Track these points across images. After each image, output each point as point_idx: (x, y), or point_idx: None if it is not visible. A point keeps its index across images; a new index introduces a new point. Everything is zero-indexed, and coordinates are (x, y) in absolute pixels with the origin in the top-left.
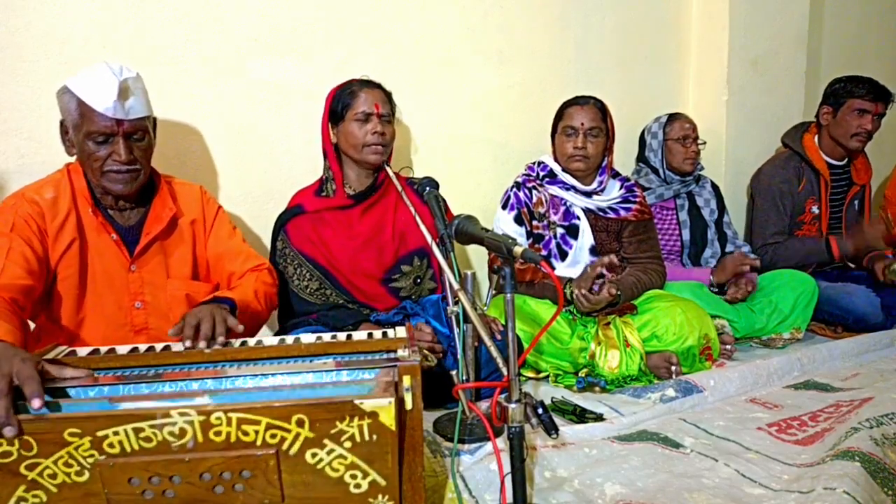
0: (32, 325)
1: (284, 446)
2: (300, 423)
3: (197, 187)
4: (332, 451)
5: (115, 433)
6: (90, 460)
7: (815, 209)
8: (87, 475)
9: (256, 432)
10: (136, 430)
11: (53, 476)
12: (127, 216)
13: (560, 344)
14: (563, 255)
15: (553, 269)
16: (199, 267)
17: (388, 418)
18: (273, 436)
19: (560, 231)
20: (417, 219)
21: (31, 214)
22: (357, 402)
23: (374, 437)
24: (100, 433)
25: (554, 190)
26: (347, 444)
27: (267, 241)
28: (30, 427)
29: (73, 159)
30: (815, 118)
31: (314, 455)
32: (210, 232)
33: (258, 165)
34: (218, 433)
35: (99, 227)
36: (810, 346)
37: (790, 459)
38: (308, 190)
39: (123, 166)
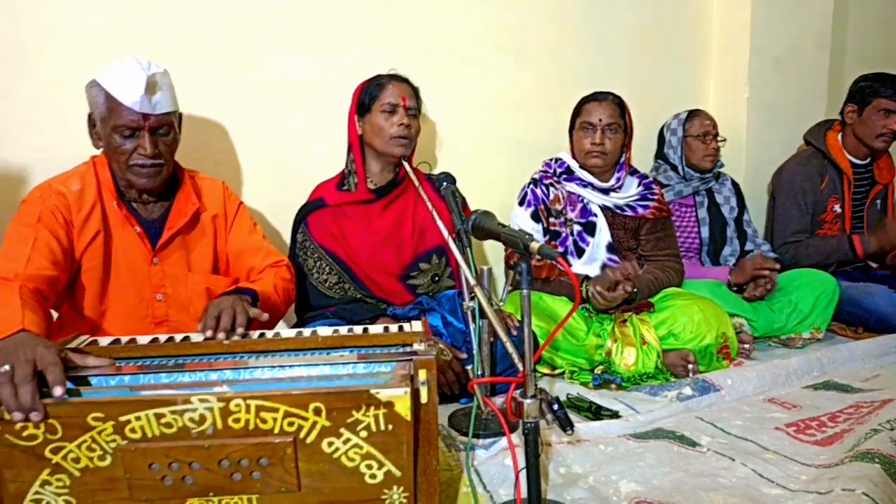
0: (56, 315)
1: (301, 434)
2: (317, 412)
3: (219, 182)
4: (348, 440)
5: (137, 418)
6: (112, 445)
7: (837, 208)
8: (109, 460)
9: (274, 420)
10: (158, 416)
11: (77, 460)
12: (150, 209)
13: (576, 341)
14: (580, 253)
15: (570, 265)
16: (219, 261)
17: (404, 408)
18: (290, 423)
19: (577, 228)
20: (434, 214)
21: (58, 206)
22: (373, 391)
23: (390, 427)
24: (122, 418)
25: (571, 187)
26: (363, 434)
27: (285, 236)
28: (55, 411)
29: (98, 152)
30: (839, 116)
31: (330, 444)
32: (231, 227)
33: (277, 160)
34: (237, 420)
35: (123, 220)
36: (830, 346)
37: (808, 460)
38: (329, 183)
39: (148, 160)
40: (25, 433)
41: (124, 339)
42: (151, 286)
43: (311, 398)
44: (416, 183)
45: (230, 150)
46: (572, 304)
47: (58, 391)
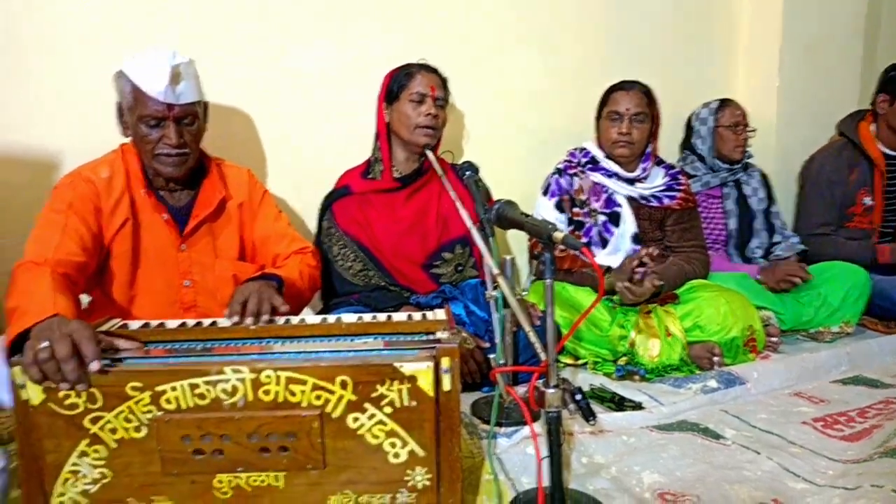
0: (87, 300)
1: (328, 408)
2: (343, 385)
3: (245, 171)
4: (372, 415)
5: (173, 388)
6: (148, 416)
7: (867, 200)
8: (144, 431)
9: (303, 392)
10: (192, 387)
11: (114, 431)
12: (177, 197)
13: (599, 331)
14: (604, 243)
15: (594, 256)
16: (245, 248)
17: (427, 383)
18: (318, 397)
19: (601, 218)
20: (458, 203)
21: (88, 193)
22: (397, 365)
23: (414, 402)
24: (159, 388)
25: (596, 177)
26: (388, 410)
27: (308, 224)
28: (97, 380)
29: (127, 140)
30: (870, 106)
31: (356, 419)
32: (257, 215)
33: (302, 148)
34: (267, 392)
35: (151, 207)
36: (860, 340)
37: (836, 455)
38: (355, 171)
39: (174, 150)
40: (68, 402)
41: (153, 322)
42: (179, 272)
43: (339, 371)
44: (441, 172)
45: (254, 139)
46: (596, 295)
47: (94, 366)
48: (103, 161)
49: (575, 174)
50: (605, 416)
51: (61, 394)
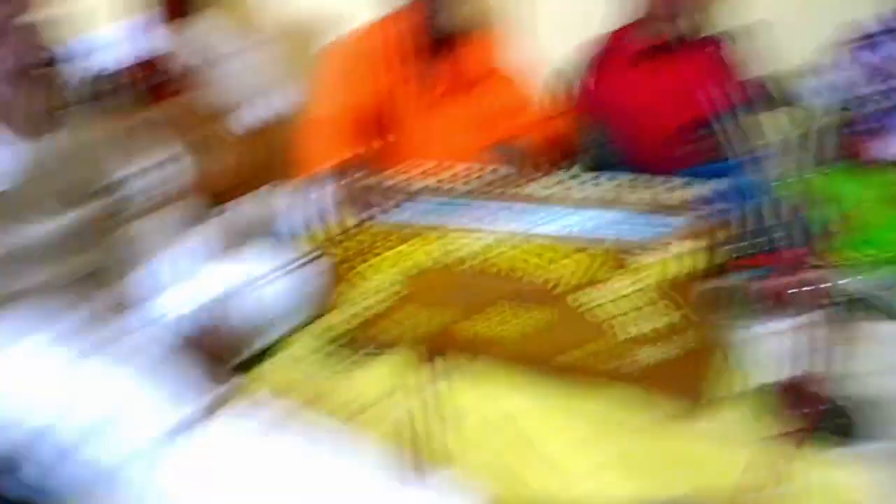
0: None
1: (563, 282)
2: (582, 263)
3: (499, 39)
4: (608, 294)
5: (424, 244)
6: (402, 267)
7: None
8: (395, 285)
9: (541, 264)
10: (441, 244)
11: (372, 280)
12: (435, 65)
13: (878, 226)
14: None
15: (886, 143)
16: (494, 117)
17: (671, 269)
18: (553, 270)
19: None
20: (719, 76)
21: (354, 57)
22: (638, 250)
23: (653, 287)
24: (410, 244)
25: None
26: (627, 290)
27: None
28: (358, 235)
29: (396, 5)
30: None
31: (587, 295)
32: (508, 84)
33: (547, 15)
34: (503, 261)
35: (411, 74)
36: None
37: None
38: (603, 43)
39: (433, 17)
40: (332, 252)
41: (422, 176)
42: (429, 137)
43: (578, 250)
44: (703, 41)
45: (506, 6)
46: (874, 188)
47: (376, 211)
48: (371, 28)
49: (882, 41)
50: (874, 323)
51: (328, 246)
